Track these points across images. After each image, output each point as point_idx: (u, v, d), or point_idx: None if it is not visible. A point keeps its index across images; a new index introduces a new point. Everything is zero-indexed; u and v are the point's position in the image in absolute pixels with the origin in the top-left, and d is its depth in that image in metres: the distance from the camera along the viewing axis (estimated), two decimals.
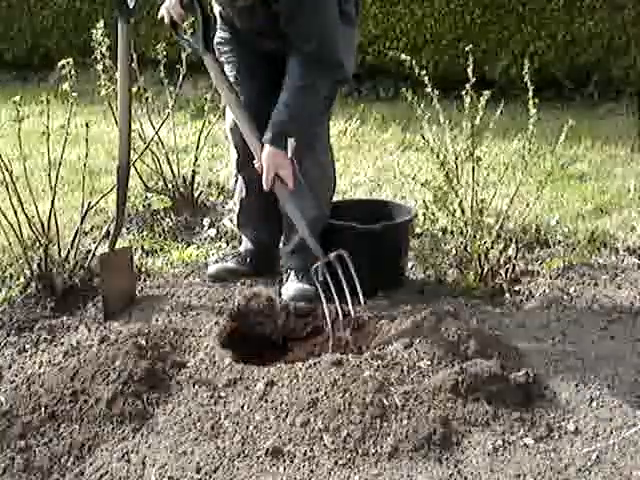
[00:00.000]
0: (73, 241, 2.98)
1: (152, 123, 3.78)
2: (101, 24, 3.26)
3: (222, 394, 2.22)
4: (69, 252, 2.97)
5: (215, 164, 4.53)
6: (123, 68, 2.66)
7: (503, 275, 2.92)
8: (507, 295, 2.88)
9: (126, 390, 2.20)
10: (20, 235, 2.88)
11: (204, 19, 2.62)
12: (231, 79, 2.75)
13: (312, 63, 2.51)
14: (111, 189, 3.05)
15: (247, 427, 2.08)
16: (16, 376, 2.41)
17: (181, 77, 3.73)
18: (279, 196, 2.60)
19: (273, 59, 2.66)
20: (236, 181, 3.03)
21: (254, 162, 2.59)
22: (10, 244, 2.96)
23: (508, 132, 4.53)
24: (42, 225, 2.88)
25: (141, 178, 3.91)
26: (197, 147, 3.93)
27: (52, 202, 2.89)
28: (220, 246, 3.45)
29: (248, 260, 3.09)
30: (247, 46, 2.78)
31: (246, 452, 2.01)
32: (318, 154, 2.81)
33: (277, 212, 2.90)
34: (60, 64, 2.83)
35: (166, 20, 2.75)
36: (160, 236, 3.60)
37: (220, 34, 2.83)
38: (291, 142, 2.51)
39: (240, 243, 3.26)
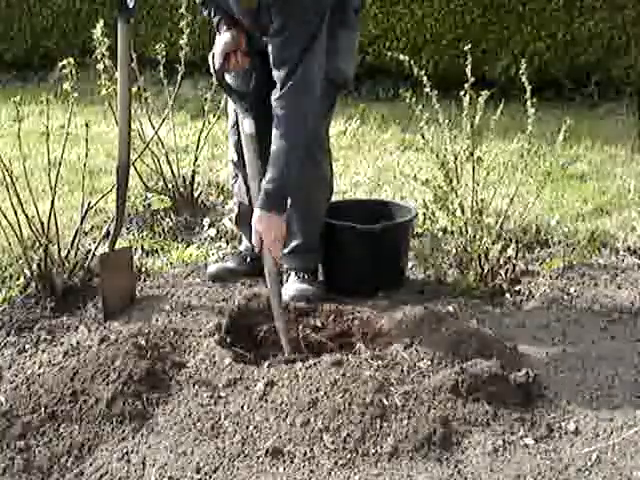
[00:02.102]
0: (73, 241, 2.98)
1: (152, 123, 3.78)
2: (101, 24, 3.25)
3: (222, 394, 2.22)
4: (69, 252, 2.97)
5: (215, 164, 4.53)
6: (123, 68, 2.66)
7: (503, 275, 2.92)
8: (507, 295, 2.88)
9: (126, 390, 2.20)
10: (20, 235, 2.88)
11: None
12: (228, 77, 2.77)
13: (293, 95, 2.45)
14: (111, 189, 3.05)
15: (247, 427, 2.08)
16: (16, 376, 2.41)
17: (179, 77, 3.73)
18: (265, 261, 2.55)
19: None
20: (235, 181, 3.03)
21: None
22: (10, 244, 2.96)
23: (508, 132, 4.53)
24: (42, 225, 2.88)
25: (141, 178, 3.91)
26: (197, 147, 3.94)
27: (52, 202, 2.89)
28: (220, 246, 3.45)
29: (248, 260, 3.09)
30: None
31: (246, 452, 2.01)
32: (316, 155, 2.81)
33: None
34: (60, 64, 2.82)
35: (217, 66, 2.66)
36: (160, 236, 3.60)
37: None
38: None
39: (240, 243, 3.26)
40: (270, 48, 2.50)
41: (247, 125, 2.62)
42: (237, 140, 2.87)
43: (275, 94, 2.49)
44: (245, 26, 2.66)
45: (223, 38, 2.63)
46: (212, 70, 2.67)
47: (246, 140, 2.63)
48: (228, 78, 2.75)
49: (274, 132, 2.50)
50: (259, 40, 2.61)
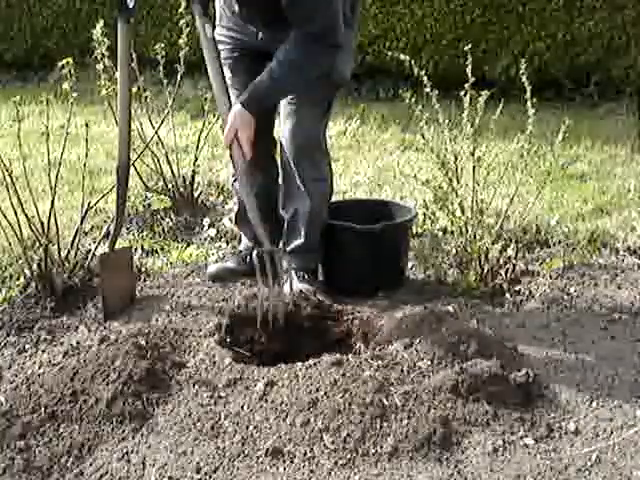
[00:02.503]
0: (73, 241, 2.98)
1: (152, 123, 3.78)
2: (101, 24, 3.26)
3: (222, 394, 2.22)
4: (69, 252, 2.97)
5: (215, 164, 4.53)
6: (123, 68, 2.66)
7: (503, 275, 2.92)
8: (507, 295, 2.88)
9: (126, 390, 2.20)
10: (20, 235, 2.88)
11: None
12: (227, 78, 2.77)
13: (309, 42, 2.48)
14: (111, 189, 3.05)
15: (247, 427, 2.08)
16: (16, 376, 2.41)
17: (179, 76, 3.73)
18: (233, 161, 2.56)
19: (266, 59, 2.66)
20: (235, 180, 3.03)
21: (222, 125, 2.58)
22: (10, 244, 2.96)
23: (508, 132, 4.53)
24: (42, 225, 2.88)
25: (141, 178, 3.90)
26: (197, 147, 3.94)
27: (52, 202, 2.89)
28: (220, 246, 3.45)
29: (248, 259, 3.09)
30: (245, 48, 2.78)
31: (246, 452, 2.01)
32: (316, 158, 2.81)
33: (276, 212, 2.90)
34: (60, 64, 2.83)
35: None
36: (160, 236, 3.60)
37: (220, 31, 2.84)
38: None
39: (240, 243, 3.26)
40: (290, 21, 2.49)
41: (208, 28, 2.63)
42: None
43: (302, 30, 2.47)
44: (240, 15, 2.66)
45: None
46: None
47: (207, 44, 2.62)
48: None
49: (280, 49, 2.50)
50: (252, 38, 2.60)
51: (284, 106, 2.77)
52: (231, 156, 2.58)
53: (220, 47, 2.84)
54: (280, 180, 2.88)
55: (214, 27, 2.82)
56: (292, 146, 2.76)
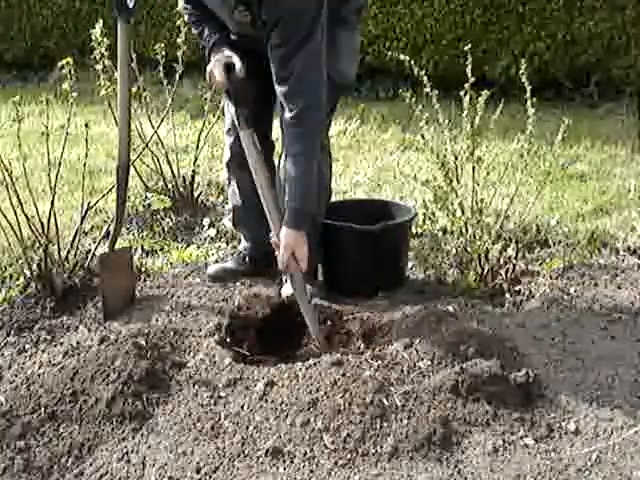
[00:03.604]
0: (73, 241, 2.98)
1: (152, 123, 3.78)
2: (101, 24, 3.25)
3: (222, 394, 2.22)
4: (69, 252, 2.97)
5: (215, 164, 4.53)
6: (123, 68, 2.66)
7: (503, 275, 2.92)
8: (507, 295, 2.87)
9: (126, 390, 2.20)
10: (20, 235, 2.88)
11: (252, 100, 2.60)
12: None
13: (300, 127, 2.44)
14: (111, 189, 3.05)
15: (247, 427, 2.08)
16: (16, 376, 2.41)
17: (177, 76, 3.73)
18: (290, 275, 2.55)
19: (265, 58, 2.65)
20: (229, 184, 3.03)
21: (271, 235, 2.57)
22: (10, 244, 2.96)
23: (508, 132, 4.53)
24: (42, 225, 2.88)
25: (141, 178, 3.91)
26: (197, 147, 3.94)
27: (52, 202, 2.89)
28: (220, 246, 3.45)
29: (247, 260, 3.09)
30: (242, 49, 2.78)
31: (246, 452, 2.01)
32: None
33: None
34: (60, 64, 2.83)
35: (219, 78, 2.59)
36: (160, 236, 3.60)
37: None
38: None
39: (239, 243, 3.26)
40: (271, 64, 2.46)
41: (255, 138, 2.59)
42: (233, 142, 2.87)
43: (286, 114, 2.45)
44: (242, 45, 2.63)
45: (218, 56, 2.58)
46: (212, 82, 2.61)
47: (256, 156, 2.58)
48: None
49: (289, 151, 2.48)
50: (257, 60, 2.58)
51: None
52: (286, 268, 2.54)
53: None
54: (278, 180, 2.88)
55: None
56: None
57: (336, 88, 2.76)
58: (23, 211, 2.87)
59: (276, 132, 2.95)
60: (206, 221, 3.69)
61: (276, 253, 2.51)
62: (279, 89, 2.45)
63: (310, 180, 2.51)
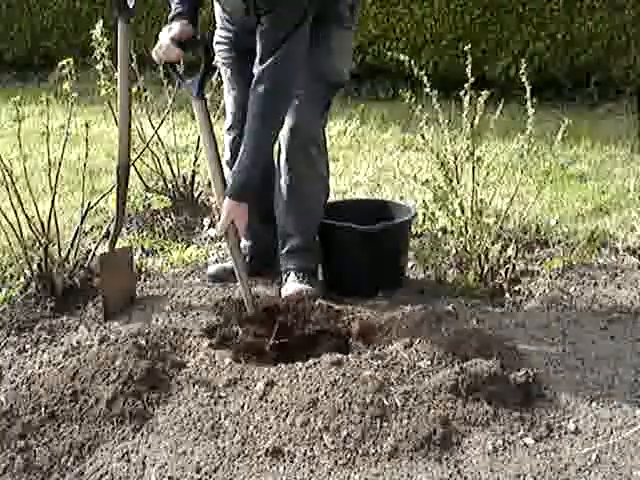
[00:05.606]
0: (73, 241, 2.98)
1: (152, 123, 3.78)
2: (101, 24, 3.26)
3: (222, 394, 2.22)
4: (69, 252, 2.97)
5: None
6: (123, 68, 2.66)
7: (503, 275, 2.92)
8: (507, 295, 2.87)
9: (126, 390, 2.20)
10: (20, 235, 2.88)
11: (205, 66, 2.62)
12: (225, 79, 2.83)
13: (266, 96, 2.51)
14: (111, 189, 3.05)
15: (247, 427, 2.08)
16: (16, 376, 2.41)
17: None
18: (227, 241, 2.65)
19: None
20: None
21: (213, 201, 2.64)
22: (10, 244, 2.96)
23: (508, 132, 4.53)
24: (42, 225, 2.88)
25: (141, 178, 3.91)
26: (197, 147, 3.93)
27: (52, 202, 2.89)
28: (220, 246, 3.45)
29: (247, 260, 3.09)
30: (243, 48, 2.78)
31: (246, 452, 2.01)
32: (314, 156, 2.81)
33: (273, 212, 2.90)
34: (60, 64, 2.83)
35: (159, 61, 2.67)
36: (160, 236, 3.60)
37: (220, 33, 2.84)
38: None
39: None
40: (257, 44, 2.53)
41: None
42: (232, 141, 2.89)
43: (252, 92, 2.52)
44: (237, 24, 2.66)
45: (176, 26, 2.62)
46: (157, 58, 2.65)
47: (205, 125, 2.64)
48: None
49: (247, 126, 2.54)
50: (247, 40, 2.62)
51: None
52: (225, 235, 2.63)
53: (219, 48, 2.85)
54: (276, 179, 2.88)
55: (214, 32, 2.83)
56: (291, 144, 2.76)
57: (330, 86, 2.77)
58: (23, 211, 2.87)
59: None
60: (206, 221, 3.69)
61: (215, 219, 2.58)
62: (256, 69, 2.53)
63: (256, 158, 2.57)
